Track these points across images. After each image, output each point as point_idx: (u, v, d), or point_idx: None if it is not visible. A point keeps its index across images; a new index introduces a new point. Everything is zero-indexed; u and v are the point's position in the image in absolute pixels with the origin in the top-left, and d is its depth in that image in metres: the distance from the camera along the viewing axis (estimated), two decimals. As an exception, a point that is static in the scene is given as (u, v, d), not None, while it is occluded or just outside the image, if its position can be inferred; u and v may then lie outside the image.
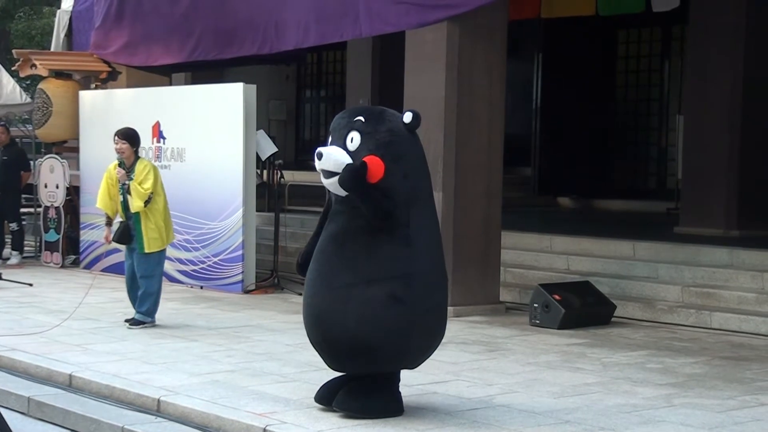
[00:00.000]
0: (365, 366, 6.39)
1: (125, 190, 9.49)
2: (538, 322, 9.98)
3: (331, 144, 6.34)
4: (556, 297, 9.95)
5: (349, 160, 6.19)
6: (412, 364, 6.56)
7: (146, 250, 9.51)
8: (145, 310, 9.61)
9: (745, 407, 6.89)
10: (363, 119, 6.29)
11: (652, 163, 18.47)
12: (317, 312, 6.35)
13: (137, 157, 9.62)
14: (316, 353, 8.24)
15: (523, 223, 13.38)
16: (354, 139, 6.25)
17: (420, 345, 6.39)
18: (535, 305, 10.04)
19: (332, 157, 6.22)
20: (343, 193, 6.24)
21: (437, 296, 6.39)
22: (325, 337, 6.37)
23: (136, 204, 9.42)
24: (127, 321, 9.66)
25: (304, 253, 6.65)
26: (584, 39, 18.18)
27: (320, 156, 6.24)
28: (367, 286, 6.16)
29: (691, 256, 11.21)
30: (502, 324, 10.11)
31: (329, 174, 6.23)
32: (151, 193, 9.41)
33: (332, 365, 6.57)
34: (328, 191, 6.47)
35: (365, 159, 6.18)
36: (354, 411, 6.39)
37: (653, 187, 18.22)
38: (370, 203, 6.16)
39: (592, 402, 6.93)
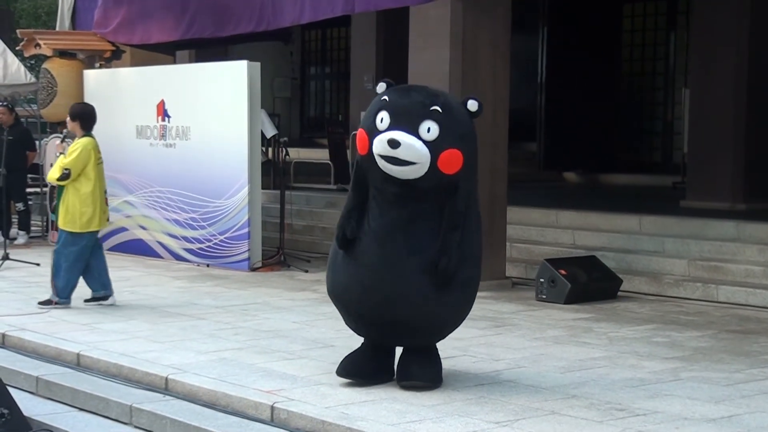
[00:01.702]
0: (428, 341, 6.64)
1: None
2: (544, 297, 9.99)
3: (394, 127, 6.15)
4: (563, 272, 9.95)
5: (427, 151, 6.11)
6: None
7: (58, 222, 9.45)
8: (54, 288, 9.47)
9: (752, 380, 6.90)
10: (440, 109, 6.19)
11: (658, 137, 18.44)
12: (388, 295, 6.32)
13: (86, 135, 9.50)
14: (323, 330, 8.32)
15: (528, 199, 13.37)
16: (431, 129, 6.14)
17: (469, 311, 6.81)
18: (542, 280, 10.04)
19: (414, 148, 6.10)
20: (411, 177, 6.19)
21: (480, 266, 6.71)
22: (397, 319, 6.39)
23: (50, 174, 9.49)
24: (96, 300, 9.60)
25: (353, 228, 6.40)
26: (589, 13, 18.11)
27: (397, 144, 6.09)
28: (441, 276, 6.30)
29: (697, 230, 11.20)
30: (509, 299, 10.12)
31: (402, 162, 6.13)
32: (67, 169, 9.28)
33: (391, 342, 6.64)
34: (362, 160, 6.39)
35: (448, 152, 6.15)
36: (430, 381, 6.52)
37: (659, 161, 18.20)
38: (459, 231, 6.34)
39: (598, 376, 6.94)
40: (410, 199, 6.31)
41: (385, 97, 6.31)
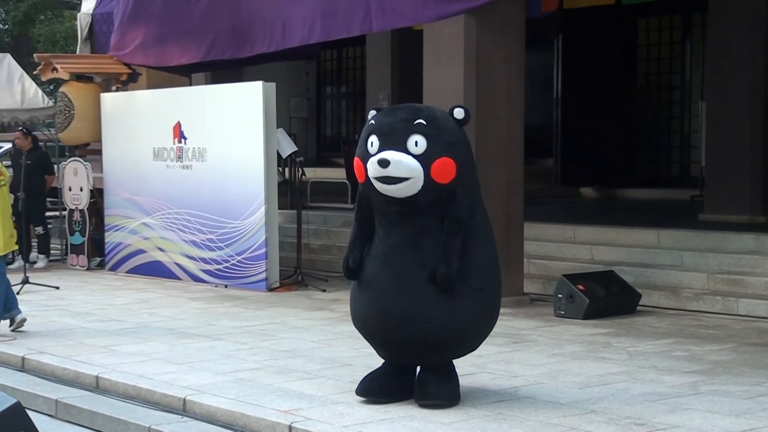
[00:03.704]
0: (448, 357, 6.62)
1: None
2: (562, 312, 9.95)
3: (383, 148, 6.22)
4: (581, 287, 9.91)
5: (418, 165, 6.18)
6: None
7: None
8: None
9: (772, 393, 6.86)
10: (424, 122, 6.27)
11: (675, 150, 18.39)
12: (405, 314, 6.32)
13: None
14: (341, 349, 8.30)
15: (546, 214, 13.34)
16: (419, 142, 6.21)
17: (491, 327, 6.76)
18: (560, 296, 10.01)
19: (404, 163, 6.17)
20: (409, 194, 6.22)
21: (499, 278, 6.71)
22: (415, 338, 6.38)
23: None
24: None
25: (356, 258, 6.52)
26: (604, 28, 18.11)
27: (387, 163, 6.16)
28: (441, 283, 6.30)
29: (716, 243, 11.15)
30: (527, 315, 10.09)
31: (396, 180, 6.19)
32: None
33: (413, 361, 6.61)
34: (363, 188, 6.44)
35: (439, 162, 6.20)
36: (448, 399, 6.50)
37: (677, 175, 18.15)
38: (458, 238, 6.32)
39: (617, 391, 6.90)
40: (414, 215, 6.33)
41: (372, 121, 6.42)
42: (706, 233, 11.45)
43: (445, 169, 6.25)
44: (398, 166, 6.17)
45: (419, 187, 6.22)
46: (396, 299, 6.34)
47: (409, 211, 6.32)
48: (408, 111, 6.44)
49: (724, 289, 10.36)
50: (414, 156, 6.20)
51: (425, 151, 6.22)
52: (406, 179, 6.19)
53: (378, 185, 6.27)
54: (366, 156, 6.32)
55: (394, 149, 6.21)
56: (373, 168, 6.23)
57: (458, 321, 6.41)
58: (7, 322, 9.52)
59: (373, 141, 6.31)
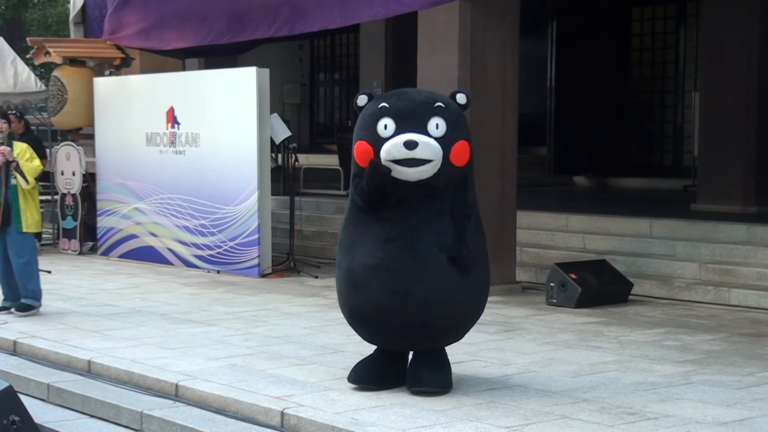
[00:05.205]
0: (454, 340, 6.67)
1: (12, 168, 9.20)
2: (554, 301, 9.97)
3: (402, 130, 6.16)
4: (573, 276, 9.93)
5: (439, 148, 6.18)
6: None
7: (24, 230, 9.27)
8: (31, 294, 9.42)
9: (764, 383, 6.87)
10: (443, 105, 6.31)
11: (668, 140, 18.39)
12: (427, 296, 6.28)
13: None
14: (333, 336, 8.31)
15: (538, 203, 13.36)
16: (439, 125, 6.22)
17: None
18: (552, 284, 10.02)
19: (430, 145, 6.16)
20: (424, 177, 6.21)
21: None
22: (433, 320, 6.35)
23: (31, 180, 9.24)
24: (5, 309, 9.49)
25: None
26: (598, 16, 18.09)
27: (414, 145, 6.11)
28: (461, 265, 6.35)
29: (708, 233, 11.17)
30: (519, 304, 10.11)
31: (420, 162, 6.16)
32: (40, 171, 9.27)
33: (413, 347, 6.59)
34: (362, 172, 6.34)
35: (458, 144, 6.25)
36: (440, 387, 6.50)
37: (670, 165, 18.16)
38: (471, 221, 6.44)
39: (609, 380, 6.92)
40: (429, 199, 6.32)
41: (384, 104, 6.31)
42: (698, 223, 11.47)
43: (463, 152, 6.30)
44: (425, 148, 6.14)
45: (436, 170, 6.21)
46: (417, 282, 6.28)
47: (425, 195, 6.30)
48: (424, 94, 6.46)
49: (716, 279, 10.39)
50: (435, 138, 6.20)
51: (445, 133, 6.22)
52: (429, 161, 6.17)
53: (396, 168, 6.19)
54: (378, 140, 6.21)
55: (415, 131, 6.17)
56: (395, 150, 6.14)
57: (472, 303, 6.51)
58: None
59: (388, 124, 6.21)
